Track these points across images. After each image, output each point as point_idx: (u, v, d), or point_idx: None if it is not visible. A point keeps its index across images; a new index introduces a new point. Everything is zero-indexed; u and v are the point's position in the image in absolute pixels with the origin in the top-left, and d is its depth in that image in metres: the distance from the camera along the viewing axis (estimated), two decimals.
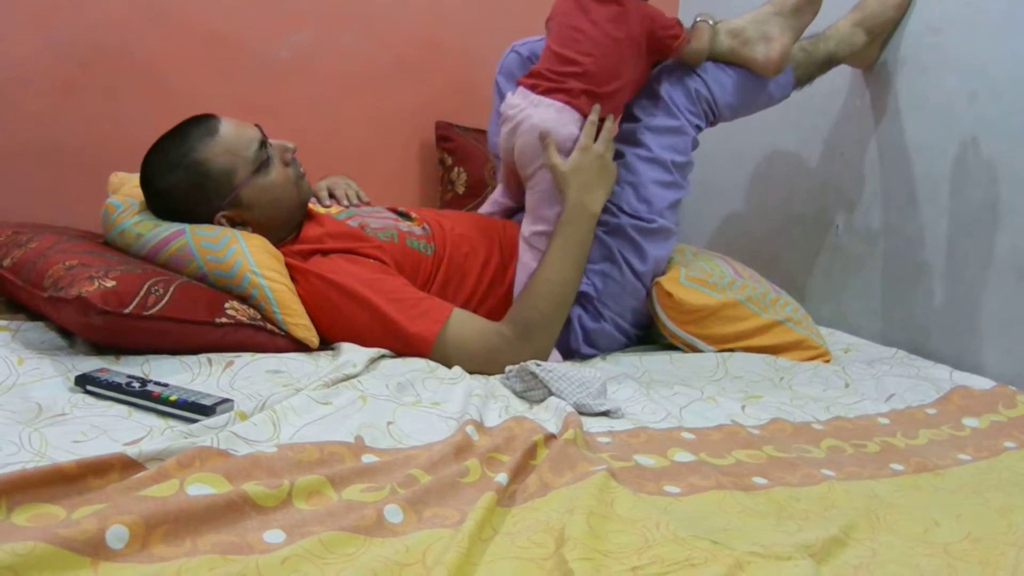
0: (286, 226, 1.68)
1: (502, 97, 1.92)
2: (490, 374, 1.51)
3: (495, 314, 1.65)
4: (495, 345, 1.56)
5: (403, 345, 1.52)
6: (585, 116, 1.73)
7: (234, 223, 1.62)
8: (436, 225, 1.79)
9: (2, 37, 2.01)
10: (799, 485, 1.16)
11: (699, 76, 1.86)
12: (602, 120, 1.74)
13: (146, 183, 1.61)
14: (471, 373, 1.49)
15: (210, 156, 1.58)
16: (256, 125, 1.66)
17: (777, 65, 1.87)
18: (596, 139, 1.72)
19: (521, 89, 1.77)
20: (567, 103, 1.73)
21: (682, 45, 1.81)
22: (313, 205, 1.79)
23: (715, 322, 1.79)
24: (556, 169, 1.70)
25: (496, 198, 2.03)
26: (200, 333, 1.42)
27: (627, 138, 1.85)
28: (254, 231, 1.62)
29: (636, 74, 1.80)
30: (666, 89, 1.85)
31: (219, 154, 1.59)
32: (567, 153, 1.71)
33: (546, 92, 1.74)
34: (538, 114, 1.73)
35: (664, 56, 1.84)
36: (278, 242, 1.65)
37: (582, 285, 1.77)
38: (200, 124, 1.61)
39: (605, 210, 1.77)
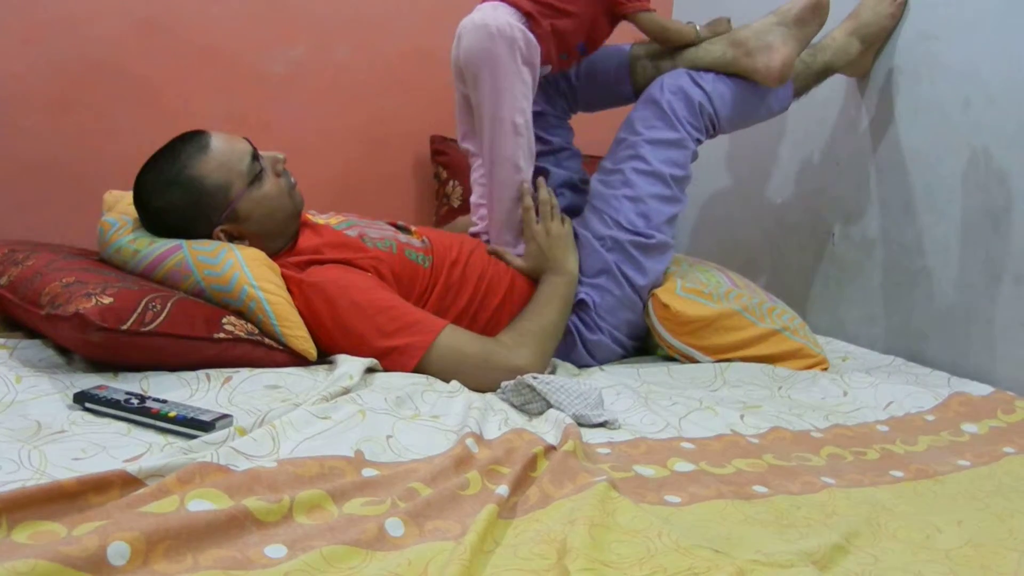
0: (282, 236, 1.68)
1: None
2: (482, 386, 1.50)
3: (488, 330, 1.68)
4: (490, 349, 1.56)
5: (397, 354, 1.51)
6: (520, 11, 1.77)
7: (232, 237, 1.62)
8: (434, 239, 1.80)
9: None
10: (800, 493, 1.16)
11: (702, 88, 1.86)
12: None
13: (141, 203, 1.61)
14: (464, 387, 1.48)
15: (205, 172, 1.58)
16: (245, 138, 1.66)
17: (779, 75, 1.86)
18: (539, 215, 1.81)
19: None
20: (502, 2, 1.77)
21: (639, 8, 1.86)
22: (311, 215, 1.79)
23: (712, 332, 1.79)
24: (521, 270, 1.81)
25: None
26: (198, 349, 1.42)
27: (627, 151, 1.85)
28: (251, 244, 1.62)
29: (590, 17, 1.84)
30: (668, 100, 1.85)
31: (213, 169, 1.59)
32: (505, 40, 1.72)
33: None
34: (474, 16, 1.76)
35: (616, 10, 1.87)
36: (275, 253, 1.65)
37: (580, 295, 1.80)
38: (191, 140, 1.61)
39: (604, 224, 1.81)
